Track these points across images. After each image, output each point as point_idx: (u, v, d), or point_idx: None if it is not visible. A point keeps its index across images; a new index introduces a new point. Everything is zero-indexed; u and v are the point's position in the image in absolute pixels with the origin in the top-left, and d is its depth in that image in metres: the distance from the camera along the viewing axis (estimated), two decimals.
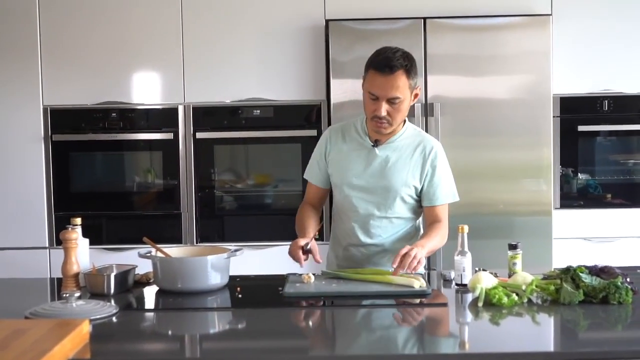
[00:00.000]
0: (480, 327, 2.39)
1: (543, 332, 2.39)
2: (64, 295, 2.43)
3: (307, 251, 2.88)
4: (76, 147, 4.68)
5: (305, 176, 3.20)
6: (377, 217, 3.01)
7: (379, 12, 4.54)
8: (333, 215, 3.21)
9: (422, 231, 3.13)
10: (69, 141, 4.66)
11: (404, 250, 2.75)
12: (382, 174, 2.98)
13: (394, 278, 2.74)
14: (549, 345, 2.30)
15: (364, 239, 3.03)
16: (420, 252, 2.76)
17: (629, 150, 4.80)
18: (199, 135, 4.63)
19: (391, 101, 2.86)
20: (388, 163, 2.98)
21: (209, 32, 4.62)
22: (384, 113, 2.87)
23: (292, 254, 2.89)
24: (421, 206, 3.07)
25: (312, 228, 3.02)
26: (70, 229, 2.80)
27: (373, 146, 2.99)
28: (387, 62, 2.83)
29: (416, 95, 2.94)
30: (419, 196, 3.04)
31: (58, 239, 3.06)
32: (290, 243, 2.93)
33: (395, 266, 2.74)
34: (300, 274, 2.91)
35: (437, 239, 2.96)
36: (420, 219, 3.14)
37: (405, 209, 3.03)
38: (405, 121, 3.03)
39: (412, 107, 4.37)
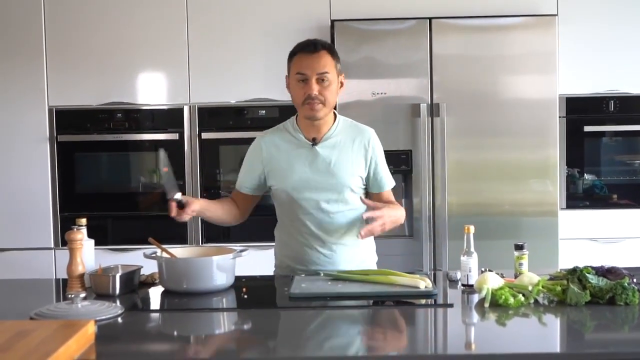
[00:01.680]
0: (486, 328, 2.39)
1: (549, 333, 2.39)
2: (69, 296, 2.42)
3: (180, 204, 2.88)
4: (81, 147, 4.69)
5: (237, 187, 3.16)
6: (332, 213, 3.00)
7: (384, 12, 4.54)
8: (281, 223, 3.15)
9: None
10: (75, 142, 4.67)
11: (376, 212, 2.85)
12: (328, 172, 2.98)
13: (398, 279, 2.73)
14: (556, 346, 2.30)
15: (324, 237, 3.01)
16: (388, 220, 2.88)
17: (635, 150, 4.80)
18: (205, 135, 4.64)
19: (320, 78, 2.91)
20: (332, 160, 2.99)
21: (214, 33, 4.62)
22: (315, 91, 2.90)
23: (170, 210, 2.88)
24: (366, 193, 3.09)
25: (210, 202, 3.12)
26: (75, 229, 2.80)
27: (312, 145, 2.99)
28: (310, 42, 2.97)
29: (342, 83, 3.00)
30: (365, 184, 3.06)
31: (63, 240, 3.07)
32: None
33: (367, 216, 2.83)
34: (306, 275, 2.92)
35: (397, 212, 2.99)
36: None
37: (356, 198, 3.03)
38: (335, 114, 3.06)
39: (418, 108, 4.39)
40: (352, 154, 3.01)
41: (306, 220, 3.02)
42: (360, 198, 2.95)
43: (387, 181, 3.08)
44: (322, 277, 2.88)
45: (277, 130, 3.12)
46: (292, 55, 2.99)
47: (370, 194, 3.08)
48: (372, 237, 3.10)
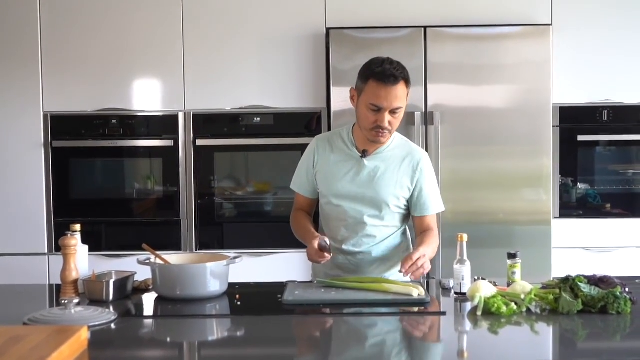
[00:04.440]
0: (478, 336, 2.39)
1: (542, 341, 2.39)
2: (63, 301, 2.42)
3: (324, 249, 2.88)
4: (76, 153, 4.68)
5: (292, 187, 3.19)
6: (367, 226, 3.01)
7: (379, 20, 4.55)
8: (320, 223, 3.19)
9: (409, 237, 3.15)
10: (69, 147, 4.66)
11: (415, 255, 2.76)
12: (371, 185, 2.98)
13: (392, 287, 2.74)
14: (548, 355, 2.30)
15: (353, 248, 3.02)
16: (427, 261, 2.79)
17: (629, 160, 4.81)
18: (199, 142, 4.64)
19: (393, 111, 2.87)
20: (377, 174, 2.99)
21: (210, 40, 4.63)
22: (386, 123, 2.87)
23: (314, 257, 2.89)
24: (409, 215, 3.08)
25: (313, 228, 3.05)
26: (69, 235, 2.80)
27: (361, 157, 2.99)
28: (391, 73, 2.84)
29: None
30: (407, 206, 3.05)
31: (57, 245, 3.06)
32: (293, 250, 2.90)
33: (404, 270, 2.74)
34: (299, 282, 2.92)
35: (433, 246, 2.98)
36: (407, 227, 3.15)
37: (394, 219, 3.04)
38: None
39: (412, 116, 4.41)
40: (398, 173, 3.00)
41: (341, 227, 3.02)
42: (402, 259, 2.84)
43: (431, 206, 3.04)
44: (315, 285, 2.88)
45: (333, 135, 3.12)
46: (368, 78, 2.87)
47: (412, 216, 3.08)
48: (401, 251, 3.12)
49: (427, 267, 2.80)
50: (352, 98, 2.97)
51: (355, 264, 3.04)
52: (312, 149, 3.11)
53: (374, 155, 3.00)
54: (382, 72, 2.84)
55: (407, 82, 2.89)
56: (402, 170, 3.00)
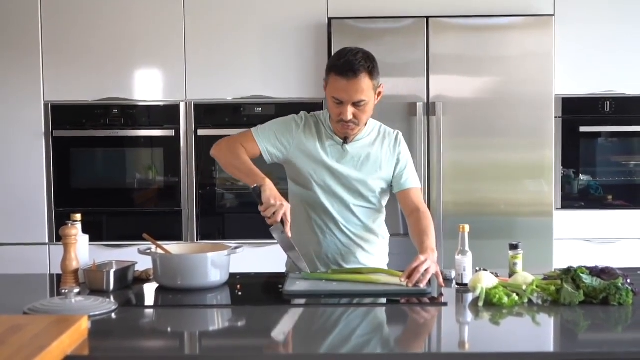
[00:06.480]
0: (480, 327, 2.39)
1: (543, 332, 2.39)
2: (63, 291, 2.42)
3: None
4: (77, 143, 4.68)
5: (254, 131, 3.05)
6: (355, 206, 2.99)
7: (382, 10, 4.54)
8: (297, 214, 3.04)
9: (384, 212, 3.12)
10: (70, 137, 4.66)
11: (414, 264, 2.68)
12: (357, 170, 2.97)
13: (393, 278, 2.73)
14: (549, 346, 2.30)
15: (346, 224, 2.99)
16: (433, 265, 2.71)
17: (631, 151, 4.80)
18: (201, 132, 4.63)
19: (356, 104, 2.84)
20: (360, 159, 2.98)
21: (211, 29, 4.62)
22: (350, 117, 2.84)
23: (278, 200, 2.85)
24: (387, 193, 3.07)
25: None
26: (70, 225, 2.80)
27: (343, 144, 2.97)
28: (350, 67, 2.79)
29: (379, 93, 2.91)
30: (390, 186, 3.05)
31: (58, 235, 3.06)
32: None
33: (404, 280, 2.67)
34: (301, 272, 2.92)
35: (432, 238, 2.91)
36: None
37: (378, 199, 3.04)
38: None
39: (414, 107, 4.39)
40: (380, 156, 3.00)
41: (329, 209, 2.97)
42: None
43: (412, 179, 3.03)
44: (315, 275, 2.87)
45: (318, 117, 3.03)
46: (329, 70, 2.85)
47: (396, 194, 3.06)
48: (386, 240, 3.14)
49: (433, 270, 2.69)
50: (324, 88, 2.94)
51: (348, 244, 3.02)
52: (299, 122, 3.01)
53: (355, 143, 2.99)
54: (341, 66, 2.81)
55: (372, 74, 2.83)
56: (383, 151, 3.00)
